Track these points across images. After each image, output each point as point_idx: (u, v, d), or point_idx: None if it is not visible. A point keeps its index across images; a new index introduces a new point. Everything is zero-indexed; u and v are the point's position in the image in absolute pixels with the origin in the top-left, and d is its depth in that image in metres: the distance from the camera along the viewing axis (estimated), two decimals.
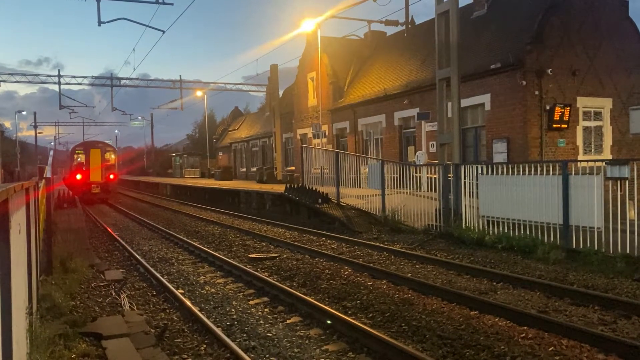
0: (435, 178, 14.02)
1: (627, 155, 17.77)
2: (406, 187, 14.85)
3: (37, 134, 73.03)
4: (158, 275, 9.65)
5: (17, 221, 3.98)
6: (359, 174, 17.55)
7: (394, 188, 15.26)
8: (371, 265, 9.95)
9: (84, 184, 29.20)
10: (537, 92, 16.45)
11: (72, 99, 43.79)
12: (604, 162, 10.01)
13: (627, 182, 9.52)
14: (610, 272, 8.53)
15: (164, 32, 18.29)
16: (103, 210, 25.96)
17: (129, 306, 7.80)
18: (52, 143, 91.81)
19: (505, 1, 20.05)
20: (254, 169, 40.17)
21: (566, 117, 16.67)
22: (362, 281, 8.79)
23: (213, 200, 27.84)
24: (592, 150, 17.81)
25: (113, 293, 8.59)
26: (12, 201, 3.32)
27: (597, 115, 17.96)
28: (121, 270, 10.69)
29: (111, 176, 30.15)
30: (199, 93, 43.08)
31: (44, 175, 15.75)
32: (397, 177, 15.34)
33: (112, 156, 31.17)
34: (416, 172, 15.61)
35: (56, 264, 9.53)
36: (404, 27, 16.67)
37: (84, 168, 29.55)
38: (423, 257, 10.59)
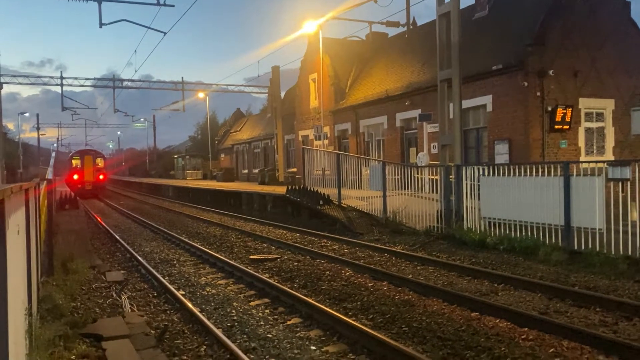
0: (436, 179, 14.00)
1: (629, 156, 17.71)
2: (408, 189, 14.83)
3: (40, 136, 73.24)
4: (159, 276, 9.65)
5: (16, 222, 3.98)
6: (361, 176, 17.52)
7: (396, 189, 15.23)
8: (372, 266, 9.94)
9: (80, 182, 37.07)
10: (538, 93, 16.42)
11: (74, 101, 43.93)
12: (605, 164, 9.97)
13: (629, 183, 9.48)
14: (612, 274, 8.50)
15: (165, 33, 18.31)
16: (105, 212, 26.00)
17: (130, 307, 7.80)
18: (55, 145, 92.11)
19: (507, 2, 20.03)
20: (256, 171, 40.21)
21: (568, 118, 16.64)
22: (362, 282, 8.77)
23: (215, 202, 27.85)
24: (595, 151, 17.77)
25: (114, 294, 8.59)
26: (8, 202, 3.32)
27: (599, 116, 17.92)
28: (122, 271, 10.70)
29: (101, 176, 38.71)
30: (200, 94, 43.11)
31: (46, 177, 15.77)
32: (398, 178, 15.31)
33: (102, 161, 39.67)
34: (418, 174, 15.59)
35: (57, 265, 9.55)
36: (405, 29, 16.67)
37: (79, 170, 37.61)
38: (424, 258, 10.57)
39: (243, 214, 22.10)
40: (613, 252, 9.07)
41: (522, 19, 17.98)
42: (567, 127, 16.75)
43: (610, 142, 18.04)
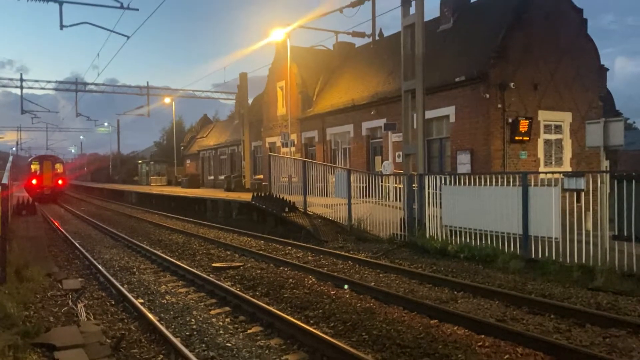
0: (401, 188, 14.17)
1: (585, 167, 18.31)
2: (373, 197, 14.95)
3: None
4: (118, 284, 9.44)
5: None
6: (327, 183, 17.58)
7: (361, 197, 15.34)
8: (335, 274, 9.96)
9: (39, 187, 37.35)
10: (500, 105, 16.82)
11: (34, 104, 42.73)
12: (561, 174, 10.28)
13: (583, 193, 9.80)
14: (567, 282, 8.75)
15: (128, 37, 18.02)
16: (65, 218, 25.31)
17: (86, 316, 7.60)
18: (14, 149, 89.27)
19: (471, 16, 20.50)
20: (222, 177, 39.85)
21: (527, 130, 17.08)
22: (325, 290, 8.77)
23: (179, 209, 27.45)
24: (553, 162, 18.29)
25: (70, 303, 8.35)
26: None
27: (558, 129, 18.47)
28: (80, 279, 10.42)
29: (60, 182, 39.12)
30: (167, 100, 42.53)
31: (1, 181, 15.21)
32: (363, 186, 15.43)
33: (61, 167, 40.27)
34: (382, 182, 15.74)
35: (11, 272, 9.22)
36: (370, 39, 16.88)
37: (38, 175, 38.00)
38: (387, 266, 10.66)
39: (207, 221, 21.85)
40: (568, 261, 9.35)
41: (484, 33, 18.43)
42: (527, 138, 17.20)
43: (567, 153, 18.60)
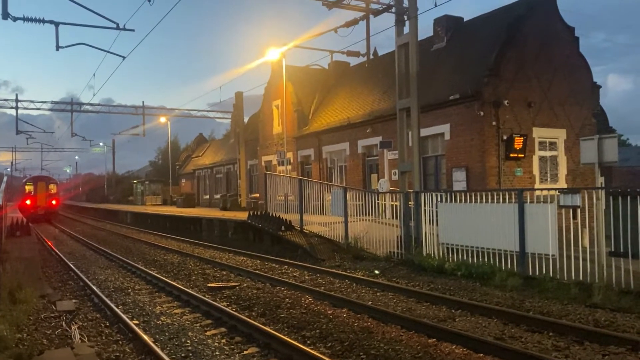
0: (397, 205, 14.16)
1: (581, 184, 18.35)
2: (369, 215, 14.93)
3: None
4: (112, 305, 9.34)
5: None
6: (323, 201, 17.56)
7: (357, 215, 15.31)
8: (332, 293, 9.89)
9: (33, 207, 38.12)
10: (494, 123, 16.90)
11: (30, 124, 42.76)
12: (557, 191, 10.30)
13: (579, 210, 9.81)
14: (565, 299, 8.71)
15: (124, 57, 18.11)
16: (59, 238, 25.13)
17: (80, 338, 7.49)
18: (9, 169, 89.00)
19: (464, 34, 20.73)
20: (218, 196, 39.77)
21: (522, 146, 17.14)
22: (322, 310, 8.70)
23: (174, 228, 27.32)
24: (548, 179, 18.33)
25: (64, 324, 8.24)
26: None
27: (552, 146, 18.56)
28: (74, 300, 10.29)
29: (53, 202, 40.01)
30: (162, 119, 42.63)
31: None
32: (360, 204, 15.42)
33: (55, 187, 40.98)
34: (378, 200, 15.73)
35: (4, 294, 9.11)
36: (365, 58, 17.06)
37: (32, 195, 38.72)
38: (384, 284, 10.59)
39: (203, 240, 21.74)
40: (565, 278, 9.32)
41: (478, 51, 18.61)
42: (522, 155, 17.25)
43: (562, 170, 18.66)
